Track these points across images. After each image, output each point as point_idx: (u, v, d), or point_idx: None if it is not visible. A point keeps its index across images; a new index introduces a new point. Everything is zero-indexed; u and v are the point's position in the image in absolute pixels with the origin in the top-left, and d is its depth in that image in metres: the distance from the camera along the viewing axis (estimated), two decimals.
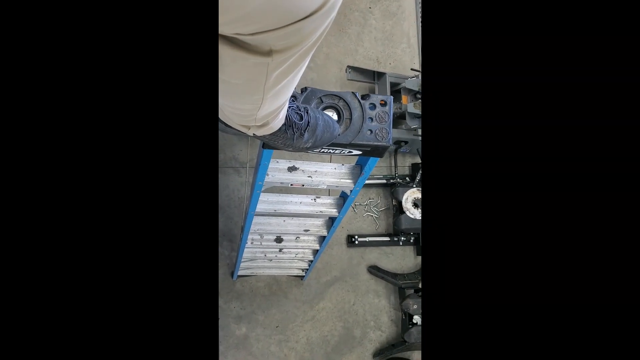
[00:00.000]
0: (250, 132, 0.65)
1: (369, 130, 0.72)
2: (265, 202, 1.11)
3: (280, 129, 0.67)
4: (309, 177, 0.92)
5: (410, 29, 2.47)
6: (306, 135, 0.69)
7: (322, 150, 0.75)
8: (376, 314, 2.17)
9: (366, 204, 2.25)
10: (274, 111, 0.58)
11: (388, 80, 2.14)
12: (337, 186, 0.94)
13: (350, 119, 0.73)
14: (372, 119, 0.73)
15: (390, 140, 0.73)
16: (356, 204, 2.25)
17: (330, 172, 0.94)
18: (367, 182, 2.24)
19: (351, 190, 0.99)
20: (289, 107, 0.67)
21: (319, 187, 0.94)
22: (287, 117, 0.67)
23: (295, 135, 0.68)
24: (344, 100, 0.72)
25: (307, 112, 0.70)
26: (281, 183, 0.91)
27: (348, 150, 0.74)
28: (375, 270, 2.16)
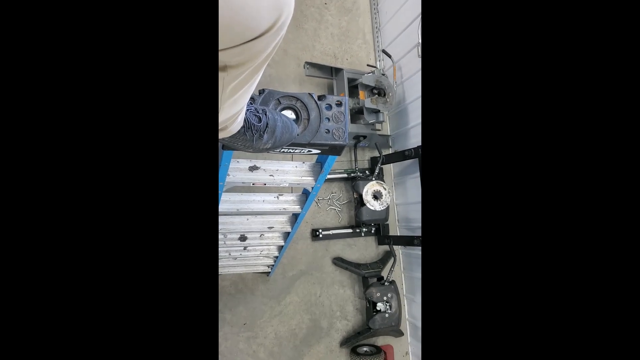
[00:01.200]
0: None
1: (326, 130, 0.75)
2: (228, 201, 1.11)
3: (239, 131, 0.68)
4: (270, 175, 0.94)
5: (365, 25, 2.53)
6: (265, 136, 0.71)
7: (282, 150, 0.77)
8: (342, 304, 2.24)
9: (329, 198, 2.30)
10: (231, 117, 0.60)
11: (345, 76, 2.19)
12: (298, 184, 0.96)
13: (308, 120, 0.75)
14: (328, 119, 0.76)
15: (347, 139, 0.77)
16: (319, 198, 2.29)
17: (291, 170, 0.96)
18: (329, 176, 2.29)
19: (312, 187, 1.02)
20: (247, 110, 0.68)
21: (281, 185, 0.95)
22: (246, 120, 0.68)
23: (254, 137, 0.70)
24: (301, 101, 0.74)
25: (266, 114, 0.71)
26: (243, 183, 0.92)
27: (307, 149, 0.77)
28: (339, 262, 2.22)
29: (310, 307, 2.17)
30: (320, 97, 0.77)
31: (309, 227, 2.23)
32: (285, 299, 2.12)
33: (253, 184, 0.94)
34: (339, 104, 0.77)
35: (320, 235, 2.19)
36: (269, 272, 2.02)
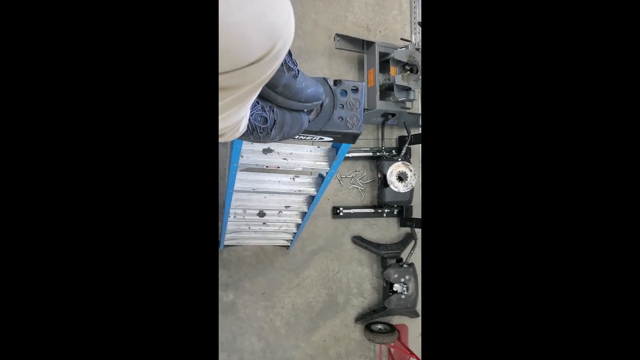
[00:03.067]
0: None
1: (340, 117, 0.72)
2: (244, 180, 1.11)
3: (243, 134, 0.66)
4: (284, 159, 0.92)
5: None
6: (273, 132, 0.69)
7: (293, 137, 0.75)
8: (359, 281, 2.26)
9: (352, 177, 2.27)
10: (229, 126, 0.58)
11: (377, 50, 2.08)
12: (312, 168, 0.95)
13: (321, 106, 0.72)
14: (342, 106, 0.72)
15: (361, 128, 0.73)
16: (342, 176, 2.27)
17: (305, 154, 0.94)
18: (353, 154, 2.25)
19: (327, 172, 1.00)
20: (252, 113, 0.66)
21: (295, 169, 0.94)
22: (249, 124, 0.66)
23: (261, 135, 0.69)
24: None
25: (273, 111, 0.68)
26: (256, 165, 0.91)
27: (319, 137, 0.74)
28: (359, 241, 2.22)
29: (328, 282, 2.21)
30: (336, 82, 0.73)
31: (330, 204, 2.23)
32: (303, 272, 2.17)
33: (267, 167, 0.93)
34: (355, 90, 0.73)
35: (341, 213, 2.19)
36: (289, 246, 2.06)
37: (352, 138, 0.76)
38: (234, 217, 1.46)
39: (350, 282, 2.25)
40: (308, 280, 2.18)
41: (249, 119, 0.65)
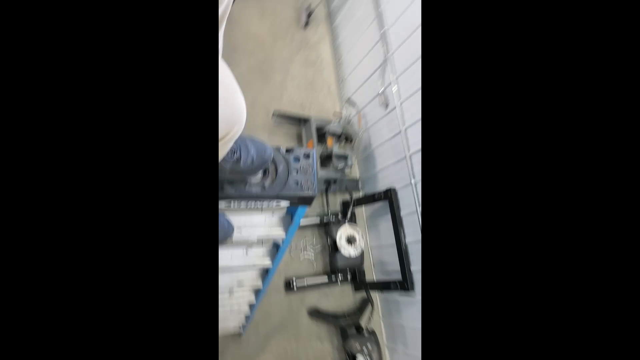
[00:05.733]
0: None
1: (295, 181, 0.74)
2: None
3: None
4: (237, 229, 0.89)
5: (330, 77, 2.65)
6: None
7: (250, 205, 0.74)
8: (319, 358, 2.10)
9: (303, 246, 2.24)
10: None
11: (313, 124, 2.24)
12: (267, 236, 0.92)
13: (277, 172, 0.74)
14: (297, 171, 0.75)
15: (316, 190, 0.76)
16: (291, 247, 2.23)
17: (260, 222, 0.92)
18: (301, 223, 2.25)
19: (283, 240, 0.98)
20: None
21: (249, 239, 0.91)
22: None
23: None
24: None
25: None
26: None
27: (276, 201, 0.75)
28: (315, 313, 2.12)
29: None
30: (289, 150, 0.76)
31: (282, 278, 2.13)
32: (258, 359, 1.96)
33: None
34: (307, 156, 0.77)
35: (295, 288, 2.09)
36: (241, 333, 1.88)
37: (308, 200, 0.77)
38: None
39: None
40: None
41: None
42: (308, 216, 2.26)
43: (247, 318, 1.66)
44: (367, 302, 2.18)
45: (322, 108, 2.52)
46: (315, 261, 2.25)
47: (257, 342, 1.98)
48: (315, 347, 2.10)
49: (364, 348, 1.98)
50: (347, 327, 2.10)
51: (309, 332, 2.11)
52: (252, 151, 0.68)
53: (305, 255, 2.23)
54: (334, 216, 2.22)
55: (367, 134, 2.31)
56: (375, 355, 1.98)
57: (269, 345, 2.00)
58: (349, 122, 2.24)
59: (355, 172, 2.46)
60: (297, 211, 0.86)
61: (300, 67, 2.58)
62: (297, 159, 0.76)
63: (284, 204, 0.77)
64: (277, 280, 2.12)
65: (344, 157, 2.25)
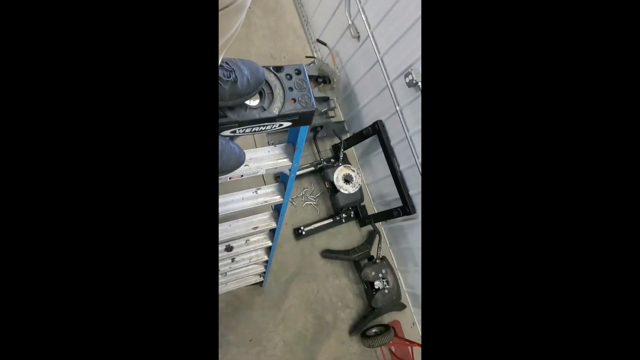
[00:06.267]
0: None
1: (292, 99, 0.75)
2: None
3: None
4: (245, 166, 0.92)
5: (294, 20, 2.56)
6: None
7: (254, 129, 0.76)
8: (340, 294, 2.23)
9: (302, 195, 2.29)
10: None
11: None
12: (275, 167, 0.95)
13: (272, 93, 0.75)
14: (292, 89, 0.76)
15: (314, 104, 0.77)
16: (293, 197, 2.28)
17: (265, 155, 0.95)
18: (297, 173, 2.29)
19: (290, 169, 1.01)
20: None
21: (258, 173, 0.94)
22: None
23: None
24: None
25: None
26: (220, 180, 0.89)
27: (278, 123, 0.76)
28: (328, 253, 2.22)
29: (311, 306, 2.14)
30: (278, 69, 0.77)
31: (290, 228, 2.20)
32: (284, 304, 2.07)
33: (230, 178, 0.91)
34: (298, 72, 0.78)
35: (304, 233, 2.17)
36: (262, 282, 1.96)
37: (308, 118, 0.79)
38: None
39: (333, 298, 2.21)
40: (291, 311, 2.09)
41: None
42: (302, 166, 2.29)
43: (267, 264, 1.73)
44: (374, 233, 2.29)
45: (293, 55, 2.47)
46: (318, 207, 2.31)
47: (280, 290, 2.08)
48: (334, 284, 2.23)
49: (379, 274, 2.10)
50: (360, 260, 2.21)
51: (325, 272, 2.22)
52: (246, 71, 0.69)
53: (308, 202, 2.29)
54: (326, 161, 2.26)
55: (344, 72, 2.29)
56: (390, 278, 2.11)
57: (291, 290, 2.11)
58: (323, 63, 2.21)
59: (339, 115, 2.47)
60: (299, 134, 0.88)
61: (261, 17, 2.49)
62: (289, 77, 0.77)
63: (286, 124, 0.79)
64: (286, 231, 2.19)
65: (326, 100, 2.24)
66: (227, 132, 0.74)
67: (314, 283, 2.18)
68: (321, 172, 2.25)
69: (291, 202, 2.25)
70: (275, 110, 0.74)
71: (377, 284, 2.10)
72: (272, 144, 0.97)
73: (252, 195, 1.13)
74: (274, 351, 1.97)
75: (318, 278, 2.20)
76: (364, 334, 2.11)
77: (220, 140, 0.74)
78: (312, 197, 2.31)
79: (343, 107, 2.45)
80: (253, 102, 0.74)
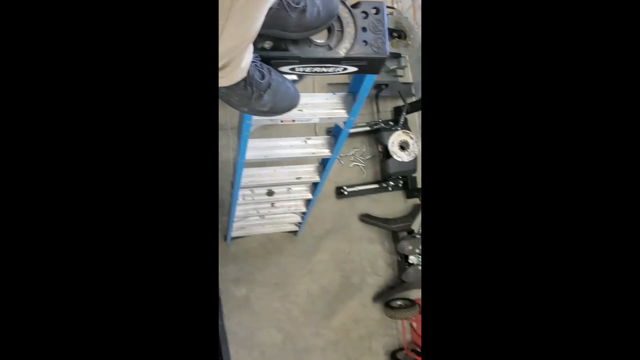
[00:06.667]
0: None
1: (364, 41, 0.66)
2: (255, 148, 1.04)
3: (239, 83, 0.63)
4: (299, 110, 0.86)
5: None
6: (266, 97, 0.67)
7: (315, 70, 0.68)
8: (372, 259, 2.20)
9: (352, 154, 2.22)
10: (236, 48, 0.53)
11: None
12: (330, 118, 0.88)
13: (342, 31, 0.65)
14: (365, 29, 0.66)
15: (387, 51, 0.67)
16: (341, 155, 2.21)
17: (322, 102, 0.87)
18: (350, 131, 2.20)
19: (345, 122, 0.93)
20: (252, 62, 0.63)
21: (311, 120, 0.87)
22: (249, 73, 0.63)
23: (254, 95, 0.66)
24: None
25: (270, 73, 0.67)
26: (271, 120, 0.84)
27: (343, 67, 0.68)
28: (367, 218, 2.17)
29: (340, 264, 2.14)
30: (355, 5, 0.67)
31: (332, 185, 2.17)
32: (314, 257, 2.10)
33: (282, 122, 0.86)
34: (376, 11, 0.67)
35: (346, 192, 2.13)
36: (297, 231, 1.98)
37: (377, 66, 0.70)
38: (243, 199, 1.38)
39: (363, 262, 2.19)
40: (320, 265, 2.11)
41: (249, 68, 0.62)
42: (357, 124, 2.18)
43: (304, 215, 1.72)
44: (419, 207, 2.18)
45: None
46: (366, 169, 2.23)
47: (312, 242, 2.10)
48: (367, 248, 2.20)
49: (416, 249, 2.03)
50: (399, 231, 2.14)
51: (361, 235, 2.19)
52: (318, 1, 0.60)
53: (356, 163, 2.22)
54: (384, 123, 2.13)
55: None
56: None
57: (323, 245, 2.12)
58: (402, 16, 2.01)
59: (408, 76, 2.28)
60: (363, 84, 0.79)
61: None
62: (365, 15, 0.67)
63: (351, 69, 0.70)
64: (328, 188, 2.15)
65: (397, 57, 2.06)
66: (285, 68, 0.67)
67: (347, 244, 2.17)
68: (376, 134, 2.13)
69: (338, 160, 2.19)
70: (342, 51, 0.66)
71: (412, 259, 2.04)
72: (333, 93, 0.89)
73: (300, 144, 1.08)
74: (297, 299, 2.04)
75: (352, 240, 2.18)
76: (388, 304, 2.10)
77: (276, 77, 0.68)
78: (361, 158, 2.23)
79: (414, 67, 2.25)
80: (319, 39, 0.65)
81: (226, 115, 2.00)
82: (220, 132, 2.01)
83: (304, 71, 0.68)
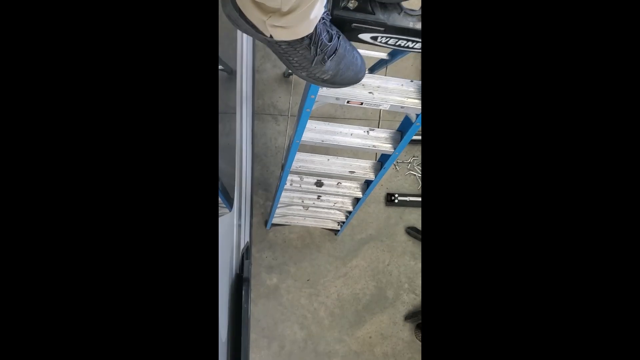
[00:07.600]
0: (268, 31, 0.52)
1: None
2: (313, 130, 0.98)
3: (303, 40, 0.57)
4: (369, 92, 0.78)
5: None
6: (329, 63, 0.61)
7: (398, 43, 0.60)
8: (411, 276, 2.06)
9: (409, 162, 2.10)
10: (305, 4, 0.47)
11: None
12: (402, 107, 0.79)
13: None
14: None
15: None
16: (398, 161, 2.10)
17: (396, 88, 0.79)
18: (412, 138, 2.08)
19: (417, 115, 0.84)
20: (322, 19, 0.57)
21: (381, 106, 0.79)
22: (316, 31, 0.56)
23: (317, 58, 0.60)
24: None
25: (339, 38, 0.61)
26: (337, 99, 0.77)
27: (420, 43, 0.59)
28: (414, 232, 2.03)
29: (377, 274, 2.03)
30: None
31: (384, 190, 2.06)
32: (351, 262, 2.01)
33: (348, 102, 0.79)
34: None
35: (396, 200, 2.01)
36: (338, 231, 1.91)
37: None
38: (290, 184, 1.34)
39: (402, 276, 2.05)
40: (356, 270, 2.01)
41: (318, 24, 0.56)
42: (420, 132, 2.06)
43: (348, 215, 1.64)
44: None
45: None
46: (421, 181, 2.10)
47: (352, 246, 2.01)
48: (408, 264, 2.06)
49: None
50: None
51: (404, 249, 2.06)
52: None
53: (412, 172, 2.09)
54: None
55: None
56: None
57: (363, 251, 2.02)
58: None
59: None
60: None
61: None
62: None
63: None
64: (378, 192, 2.05)
65: None
66: (366, 36, 0.60)
67: (388, 254, 2.05)
68: None
69: (394, 165, 2.08)
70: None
71: None
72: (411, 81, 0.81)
73: (362, 134, 1.00)
74: (326, 300, 1.96)
75: (394, 251, 2.05)
76: (420, 327, 1.95)
77: (344, 43, 0.60)
78: (418, 168, 2.10)
79: None
80: (412, 6, 0.57)
81: (286, 101, 1.98)
82: (279, 118, 2.00)
83: (386, 43, 0.60)
